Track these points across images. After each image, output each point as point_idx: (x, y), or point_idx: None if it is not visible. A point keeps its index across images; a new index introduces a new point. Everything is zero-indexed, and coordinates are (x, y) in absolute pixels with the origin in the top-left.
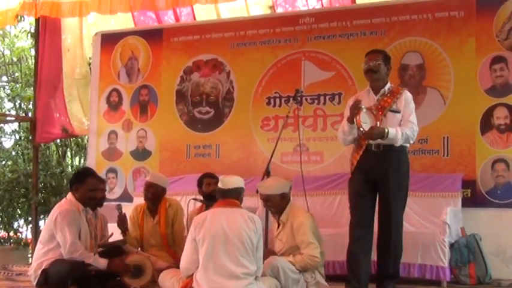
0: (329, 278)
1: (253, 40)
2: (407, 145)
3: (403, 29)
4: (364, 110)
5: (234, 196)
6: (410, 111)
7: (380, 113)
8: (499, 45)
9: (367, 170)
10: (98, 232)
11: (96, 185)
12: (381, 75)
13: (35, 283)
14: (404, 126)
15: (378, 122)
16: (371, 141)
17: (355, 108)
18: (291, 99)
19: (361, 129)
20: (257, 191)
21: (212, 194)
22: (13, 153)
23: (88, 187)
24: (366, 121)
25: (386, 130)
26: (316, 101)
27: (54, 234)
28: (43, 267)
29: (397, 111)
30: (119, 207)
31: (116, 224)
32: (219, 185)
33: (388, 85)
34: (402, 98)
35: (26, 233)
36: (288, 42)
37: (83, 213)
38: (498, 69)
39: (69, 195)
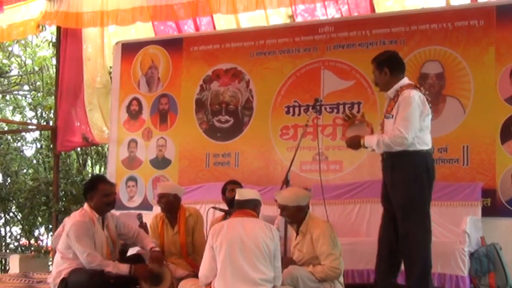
0: (348, 287)
1: (272, 49)
2: (421, 149)
3: (422, 38)
4: (356, 122)
5: (250, 207)
6: (402, 115)
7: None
8: None
9: (384, 180)
10: (116, 240)
11: (109, 190)
12: (382, 83)
13: None
14: (390, 132)
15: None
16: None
17: (346, 120)
18: (310, 108)
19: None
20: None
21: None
22: (34, 161)
23: (102, 193)
24: (351, 133)
25: (362, 140)
26: (335, 110)
27: (70, 245)
28: (62, 276)
29: (389, 117)
30: (140, 217)
31: None
32: (236, 196)
33: (394, 87)
34: (399, 100)
35: (47, 241)
36: (308, 51)
37: (98, 222)
38: None
39: (85, 206)
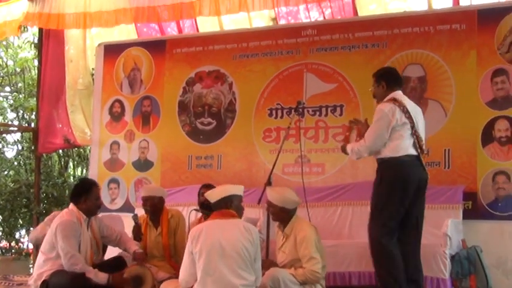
0: None
1: (255, 52)
2: (393, 156)
3: (404, 41)
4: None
5: (224, 206)
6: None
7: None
8: (500, 58)
9: None
10: (99, 242)
11: (99, 194)
12: (379, 97)
13: None
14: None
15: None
16: None
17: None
18: (293, 110)
19: None
20: (259, 201)
21: (205, 203)
22: (15, 163)
23: (94, 196)
24: (354, 137)
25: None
26: (317, 113)
27: (55, 245)
28: (43, 278)
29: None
30: (135, 217)
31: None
32: (207, 196)
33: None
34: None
35: (28, 243)
36: (290, 54)
37: (85, 224)
38: (499, 82)
39: (71, 206)
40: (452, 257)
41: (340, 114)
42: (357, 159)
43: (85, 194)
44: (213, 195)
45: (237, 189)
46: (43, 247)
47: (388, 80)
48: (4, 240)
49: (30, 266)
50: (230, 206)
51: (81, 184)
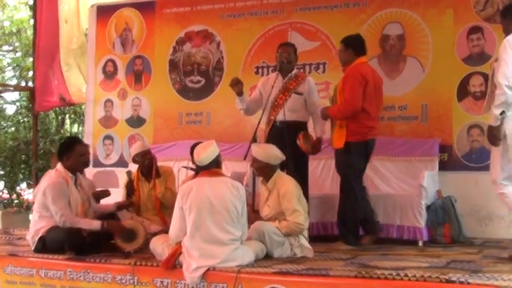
0: (314, 239)
1: (242, 11)
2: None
3: (384, 0)
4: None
5: (214, 166)
6: (316, 95)
7: (286, 94)
8: (476, 15)
9: None
10: (89, 198)
11: (84, 150)
12: (292, 65)
13: (33, 248)
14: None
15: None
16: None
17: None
18: (276, 70)
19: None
20: (245, 157)
21: None
22: (13, 121)
23: (78, 153)
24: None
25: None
26: (301, 70)
27: (47, 204)
28: (40, 235)
29: (300, 93)
30: (129, 173)
31: (111, 189)
32: (197, 163)
33: (294, 71)
34: (306, 83)
35: (28, 196)
36: (275, 13)
37: (72, 181)
38: (475, 39)
39: (59, 165)
40: (428, 207)
41: (323, 72)
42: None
43: (68, 152)
44: (203, 161)
45: (216, 146)
46: (36, 206)
47: (297, 58)
48: (6, 193)
49: (30, 219)
50: (218, 166)
51: (64, 142)
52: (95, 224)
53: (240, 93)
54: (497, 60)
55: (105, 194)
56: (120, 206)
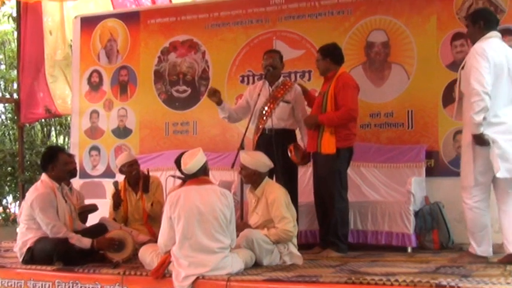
0: (303, 247)
1: (226, 21)
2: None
3: (368, 8)
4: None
5: (201, 174)
6: (303, 103)
7: (273, 102)
8: (459, 22)
9: None
10: (76, 207)
11: (68, 159)
12: (278, 71)
13: (20, 260)
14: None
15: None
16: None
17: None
18: (263, 77)
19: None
20: (232, 165)
21: None
22: None
23: (62, 162)
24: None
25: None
26: (287, 78)
27: (34, 216)
28: (28, 246)
29: (288, 102)
30: (116, 184)
31: (98, 200)
32: (184, 171)
33: (281, 79)
34: (293, 91)
35: (15, 209)
36: (260, 22)
37: (59, 192)
38: (458, 45)
39: (43, 176)
40: (416, 213)
41: (309, 79)
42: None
43: (52, 162)
44: (191, 169)
45: (203, 154)
46: (23, 218)
47: (284, 66)
48: None
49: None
50: (206, 173)
51: (47, 152)
52: (85, 242)
53: (219, 103)
54: (463, 69)
55: (93, 209)
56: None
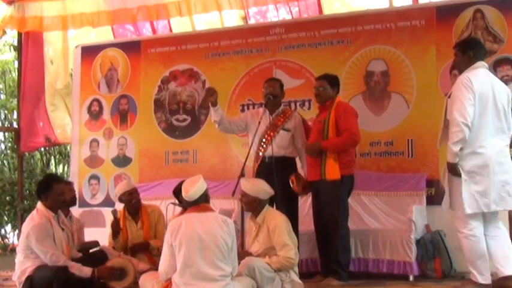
0: (304, 275)
1: (226, 50)
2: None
3: (368, 38)
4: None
5: (203, 201)
6: (304, 132)
7: (274, 130)
8: None
9: None
10: (74, 235)
11: (63, 188)
12: (278, 99)
13: None
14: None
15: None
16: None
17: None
18: (263, 106)
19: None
20: (233, 193)
21: None
22: None
23: (56, 192)
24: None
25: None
26: (287, 107)
27: (31, 247)
28: (27, 274)
29: (288, 130)
30: (115, 212)
31: (97, 228)
32: (186, 199)
33: (281, 107)
34: (293, 119)
35: (13, 238)
36: (260, 52)
37: (55, 220)
38: (457, 74)
39: (39, 205)
40: (418, 241)
41: (309, 108)
42: None
43: (46, 192)
44: (192, 196)
45: (204, 181)
46: (20, 248)
47: (284, 94)
48: None
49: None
50: (207, 200)
51: (42, 181)
52: (86, 271)
53: (214, 104)
54: (450, 97)
55: (94, 246)
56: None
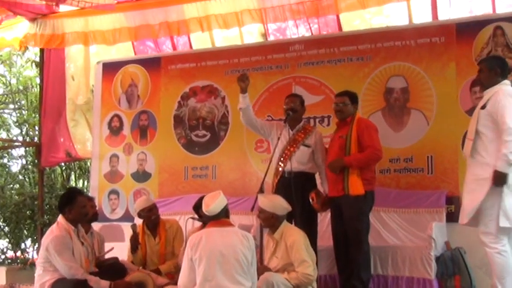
0: None
1: (246, 67)
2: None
3: (387, 54)
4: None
5: (223, 216)
6: (324, 148)
7: (294, 146)
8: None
9: None
10: (95, 249)
11: (86, 202)
12: (298, 115)
13: None
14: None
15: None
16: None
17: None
18: (283, 122)
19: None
20: (252, 208)
21: None
22: (20, 177)
23: (79, 205)
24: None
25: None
26: (308, 123)
27: (51, 261)
28: (46, 287)
29: (308, 146)
30: (134, 227)
31: (116, 243)
32: (206, 213)
33: (302, 122)
34: (313, 135)
35: (33, 253)
36: (279, 68)
37: (75, 234)
38: (477, 91)
39: (60, 219)
40: (438, 258)
41: (328, 125)
42: None
43: (69, 205)
44: (213, 210)
45: (224, 196)
46: (39, 261)
47: (305, 110)
48: (11, 251)
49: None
50: (227, 216)
51: (65, 194)
52: (103, 285)
53: (244, 90)
54: (484, 108)
55: (113, 263)
56: None
